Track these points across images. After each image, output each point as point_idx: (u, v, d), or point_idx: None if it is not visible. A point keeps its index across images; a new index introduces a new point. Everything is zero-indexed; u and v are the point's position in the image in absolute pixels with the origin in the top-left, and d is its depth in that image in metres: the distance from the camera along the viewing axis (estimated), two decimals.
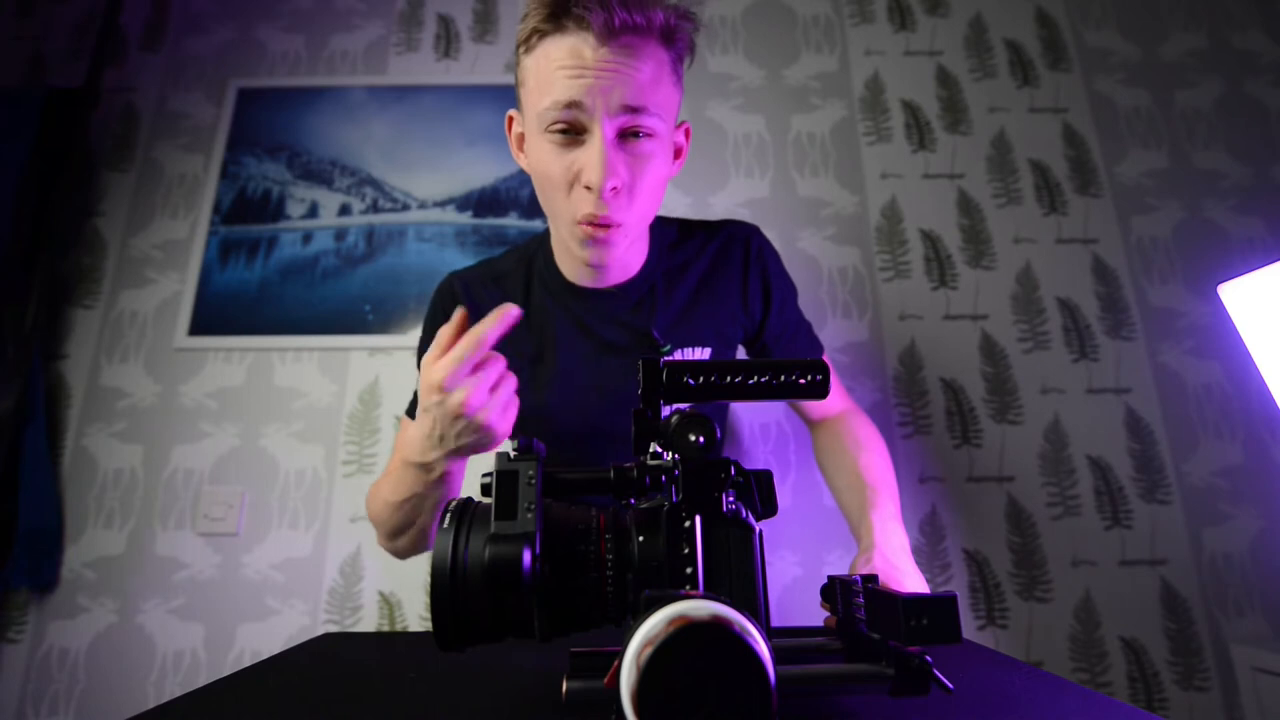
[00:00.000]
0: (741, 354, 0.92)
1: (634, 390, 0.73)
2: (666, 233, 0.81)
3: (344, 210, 1.51)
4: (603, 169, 0.58)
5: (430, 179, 1.53)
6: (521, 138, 0.69)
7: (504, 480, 0.34)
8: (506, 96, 1.58)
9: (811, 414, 0.87)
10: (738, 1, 1.67)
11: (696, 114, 1.57)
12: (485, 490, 0.35)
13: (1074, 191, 1.51)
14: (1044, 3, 1.65)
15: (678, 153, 0.72)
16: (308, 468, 1.35)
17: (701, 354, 0.76)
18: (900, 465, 1.34)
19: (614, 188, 0.60)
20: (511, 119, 0.70)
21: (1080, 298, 1.44)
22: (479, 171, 1.53)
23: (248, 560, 1.29)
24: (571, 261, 0.75)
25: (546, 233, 0.80)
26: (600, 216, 0.61)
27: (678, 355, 0.75)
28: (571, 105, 0.58)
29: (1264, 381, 1.21)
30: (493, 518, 0.33)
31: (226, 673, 0.45)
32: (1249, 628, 1.23)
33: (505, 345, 0.77)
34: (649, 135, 0.61)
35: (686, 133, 0.72)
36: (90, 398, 1.38)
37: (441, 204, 1.52)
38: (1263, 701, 1.09)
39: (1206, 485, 1.31)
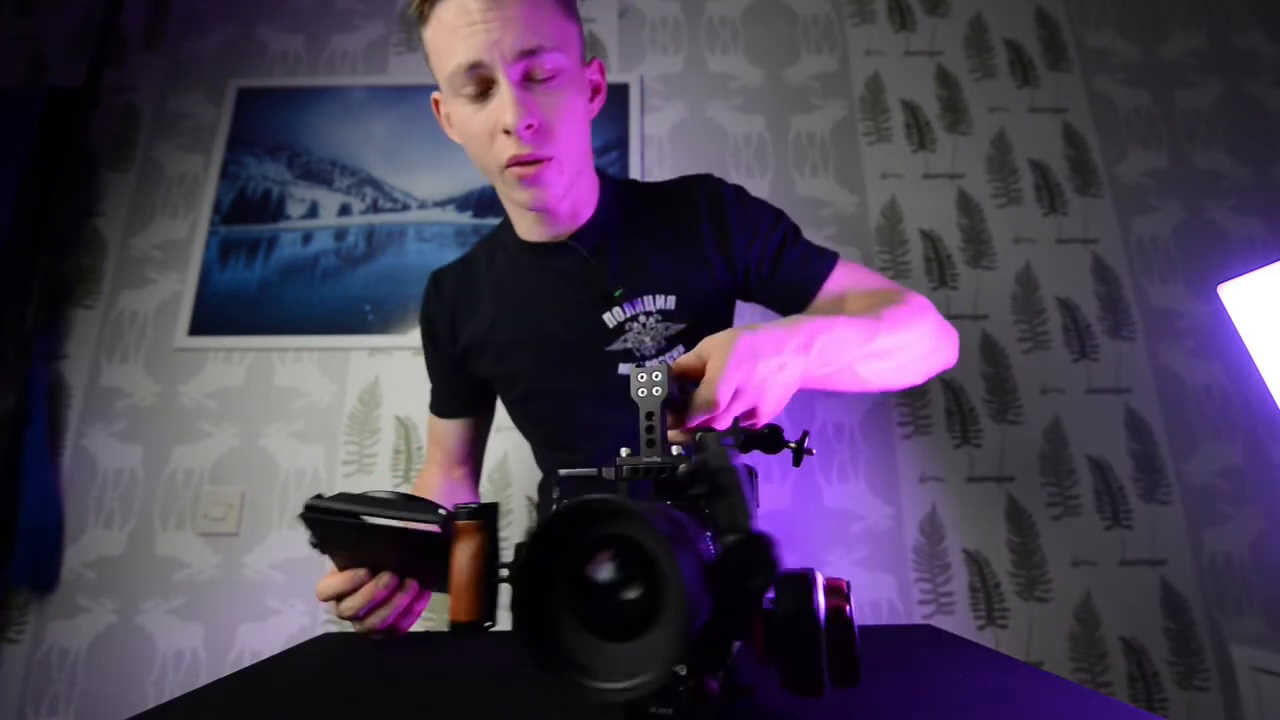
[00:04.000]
0: (757, 315, 0.85)
1: (586, 339, 0.72)
2: (621, 188, 0.81)
3: (344, 210, 1.51)
4: (515, 110, 0.60)
5: (430, 179, 1.53)
6: (449, 117, 0.70)
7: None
8: None
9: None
10: (738, 1, 1.67)
11: (697, 114, 1.57)
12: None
13: (1074, 191, 1.51)
14: (1044, 3, 1.65)
15: (596, 91, 0.72)
16: (308, 468, 1.35)
17: (665, 302, 0.73)
18: (900, 465, 1.34)
19: (529, 125, 0.62)
20: (437, 100, 0.72)
21: (1080, 298, 1.44)
22: (478, 171, 1.53)
23: (248, 560, 1.29)
24: (523, 218, 0.75)
25: (499, 224, 0.83)
26: (525, 155, 0.63)
27: (638, 304, 0.73)
28: (473, 66, 0.60)
29: (1264, 381, 1.21)
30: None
31: (226, 673, 0.45)
32: (1249, 628, 1.23)
33: (468, 316, 0.79)
34: (553, 73, 0.63)
35: (600, 69, 0.73)
36: (90, 398, 1.38)
37: (441, 204, 1.52)
38: (1263, 701, 1.09)
39: (1206, 485, 1.31)
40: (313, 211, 1.51)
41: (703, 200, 0.76)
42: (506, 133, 0.62)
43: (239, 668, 0.47)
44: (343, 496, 0.48)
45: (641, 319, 0.72)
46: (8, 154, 1.42)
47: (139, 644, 1.24)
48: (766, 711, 0.35)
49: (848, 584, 0.33)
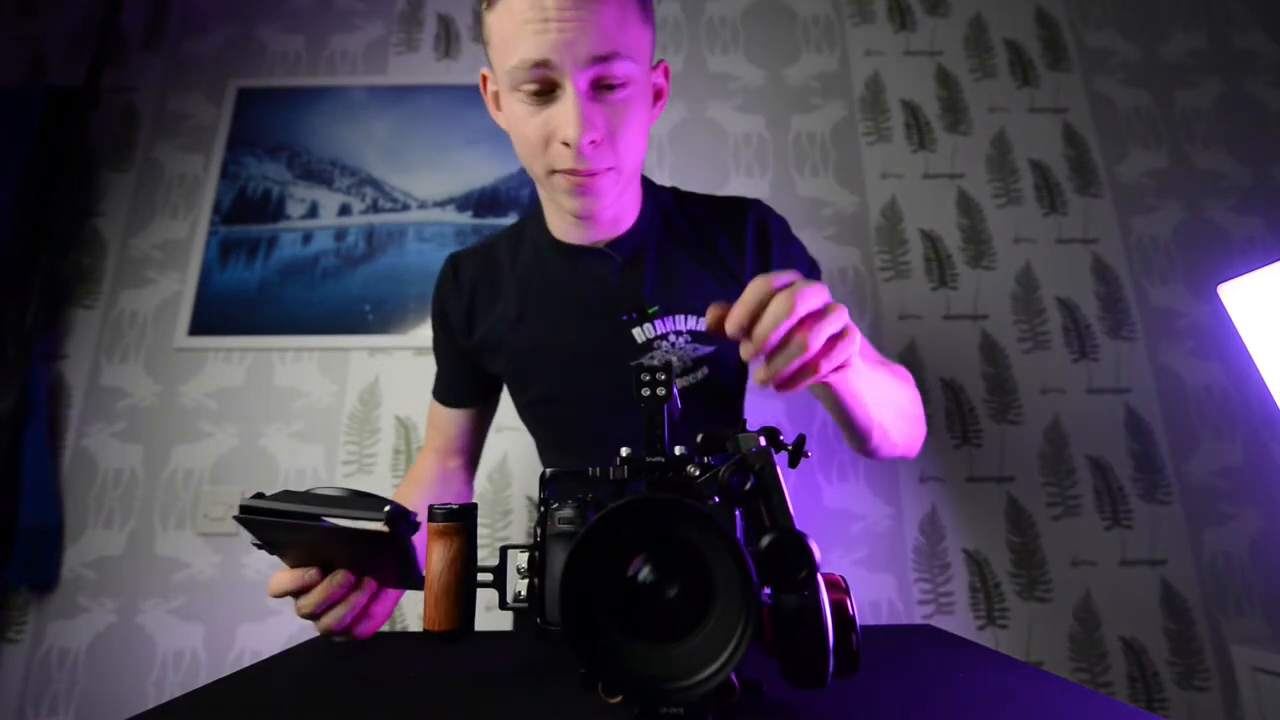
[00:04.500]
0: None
1: (613, 350, 0.71)
2: (662, 195, 0.77)
3: (344, 210, 1.51)
4: (578, 124, 0.56)
5: (430, 179, 1.53)
6: (496, 96, 0.66)
7: None
8: None
9: None
10: (738, 1, 1.67)
11: (697, 114, 1.57)
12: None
13: (1074, 191, 1.51)
14: (1044, 3, 1.65)
15: (658, 95, 0.68)
16: (308, 468, 1.35)
17: (697, 324, 0.71)
18: (900, 465, 1.34)
19: (592, 141, 0.58)
20: (485, 78, 0.68)
21: (1080, 298, 1.44)
22: (479, 171, 1.53)
23: (248, 560, 1.29)
24: (561, 219, 0.72)
25: (527, 218, 0.80)
26: (582, 170, 0.60)
27: (670, 323, 0.70)
28: (539, 64, 0.55)
29: (1264, 381, 1.21)
30: None
31: (226, 673, 0.45)
32: (1249, 628, 1.23)
33: (487, 310, 0.77)
34: (623, 83, 0.58)
35: (665, 73, 0.68)
36: (90, 398, 1.38)
37: (441, 204, 1.52)
38: (1263, 701, 1.09)
39: (1206, 485, 1.31)
40: (313, 211, 1.51)
41: (751, 228, 0.74)
42: (565, 144, 0.58)
43: (239, 668, 0.47)
44: (284, 495, 0.46)
45: (671, 338, 0.70)
46: (8, 154, 1.42)
47: (139, 644, 1.24)
48: (773, 705, 0.35)
49: (844, 578, 0.33)
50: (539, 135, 0.59)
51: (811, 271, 0.76)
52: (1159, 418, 1.35)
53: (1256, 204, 1.48)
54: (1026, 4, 1.65)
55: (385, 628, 1.26)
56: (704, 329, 0.70)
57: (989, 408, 1.38)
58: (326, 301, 1.44)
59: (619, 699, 0.30)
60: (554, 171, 0.61)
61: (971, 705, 0.36)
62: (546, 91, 0.57)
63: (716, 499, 0.34)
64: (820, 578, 0.31)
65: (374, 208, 1.51)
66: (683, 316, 0.71)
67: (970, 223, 1.50)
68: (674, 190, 0.80)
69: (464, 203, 1.51)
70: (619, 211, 0.71)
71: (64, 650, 1.24)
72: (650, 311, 0.70)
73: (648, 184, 0.77)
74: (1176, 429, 1.35)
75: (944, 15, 1.65)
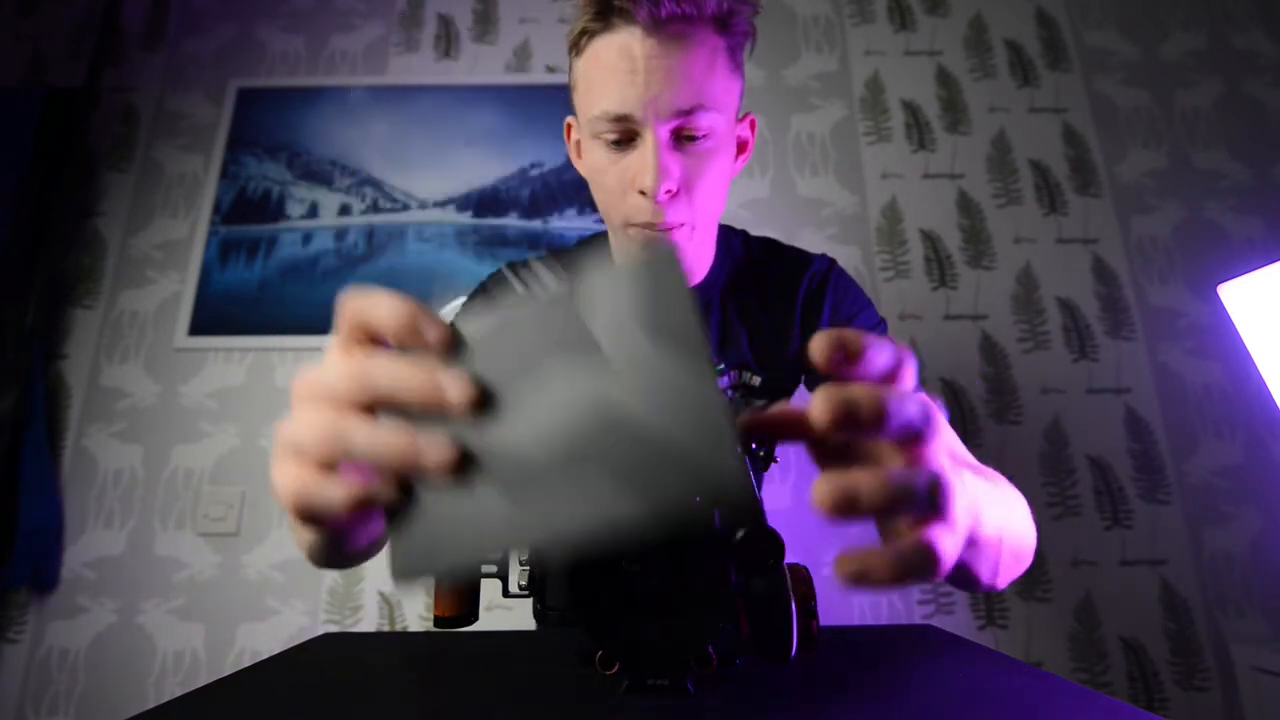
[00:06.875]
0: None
1: None
2: (733, 244, 0.76)
3: (344, 210, 1.51)
4: (656, 174, 0.56)
5: (430, 179, 1.53)
6: (579, 144, 0.66)
7: None
8: (506, 96, 1.58)
9: None
10: None
11: None
12: None
13: (1074, 191, 1.51)
14: (1044, 3, 1.65)
15: (742, 147, 0.67)
16: None
17: (753, 379, 0.73)
18: None
19: (669, 190, 0.57)
20: (570, 126, 0.68)
21: (1080, 298, 1.44)
22: (479, 171, 1.53)
23: (248, 560, 1.29)
24: None
25: (605, 234, 0.77)
26: (658, 224, 0.59)
27: (729, 378, 0.72)
28: (621, 118, 0.56)
29: (1264, 381, 1.21)
30: None
31: (226, 673, 0.45)
32: (1249, 628, 1.23)
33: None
34: (706, 134, 0.57)
35: (752, 125, 0.67)
36: (90, 398, 1.38)
37: (441, 204, 1.52)
38: (1263, 701, 1.09)
39: (1206, 485, 1.31)
40: (313, 211, 1.51)
41: (803, 290, 0.74)
42: (642, 193, 0.57)
43: (239, 668, 0.47)
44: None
45: (729, 393, 0.72)
46: (8, 154, 1.42)
47: (139, 644, 1.24)
48: (743, 676, 0.39)
49: (807, 569, 0.39)
50: (617, 184, 0.59)
51: (878, 326, 0.75)
52: (1159, 418, 1.36)
53: (1256, 204, 1.48)
54: (1026, 4, 1.65)
55: (386, 627, 1.26)
56: (758, 385, 0.73)
57: (989, 408, 1.38)
58: (327, 301, 1.44)
59: (614, 670, 0.35)
60: (629, 225, 0.61)
61: (971, 705, 0.36)
62: (627, 140, 0.57)
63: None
64: (787, 570, 0.37)
65: (374, 208, 1.52)
66: (736, 372, 0.73)
67: (970, 223, 1.50)
68: (744, 237, 0.78)
69: (464, 203, 1.52)
70: (691, 263, 0.71)
71: (64, 650, 1.24)
72: (716, 370, 0.72)
73: (720, 230, 0.75)
74: (1176, 429, 1.35)
75: (944, 15, 1.65)
